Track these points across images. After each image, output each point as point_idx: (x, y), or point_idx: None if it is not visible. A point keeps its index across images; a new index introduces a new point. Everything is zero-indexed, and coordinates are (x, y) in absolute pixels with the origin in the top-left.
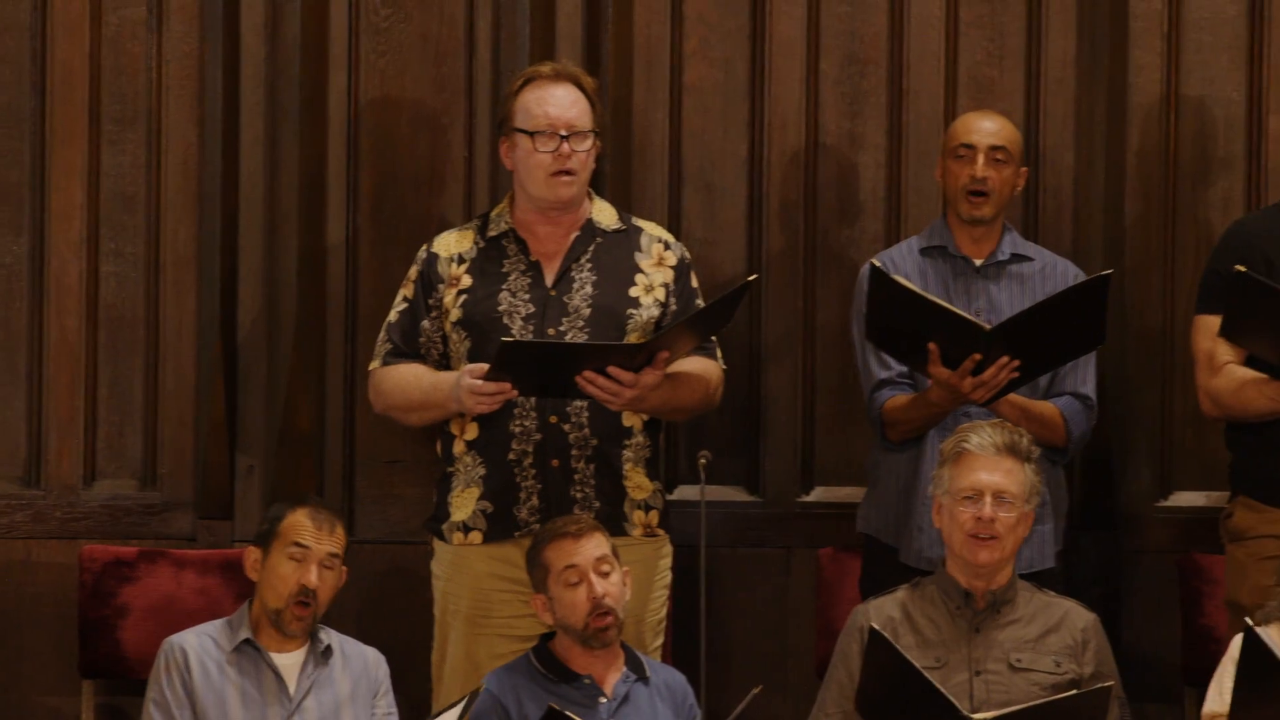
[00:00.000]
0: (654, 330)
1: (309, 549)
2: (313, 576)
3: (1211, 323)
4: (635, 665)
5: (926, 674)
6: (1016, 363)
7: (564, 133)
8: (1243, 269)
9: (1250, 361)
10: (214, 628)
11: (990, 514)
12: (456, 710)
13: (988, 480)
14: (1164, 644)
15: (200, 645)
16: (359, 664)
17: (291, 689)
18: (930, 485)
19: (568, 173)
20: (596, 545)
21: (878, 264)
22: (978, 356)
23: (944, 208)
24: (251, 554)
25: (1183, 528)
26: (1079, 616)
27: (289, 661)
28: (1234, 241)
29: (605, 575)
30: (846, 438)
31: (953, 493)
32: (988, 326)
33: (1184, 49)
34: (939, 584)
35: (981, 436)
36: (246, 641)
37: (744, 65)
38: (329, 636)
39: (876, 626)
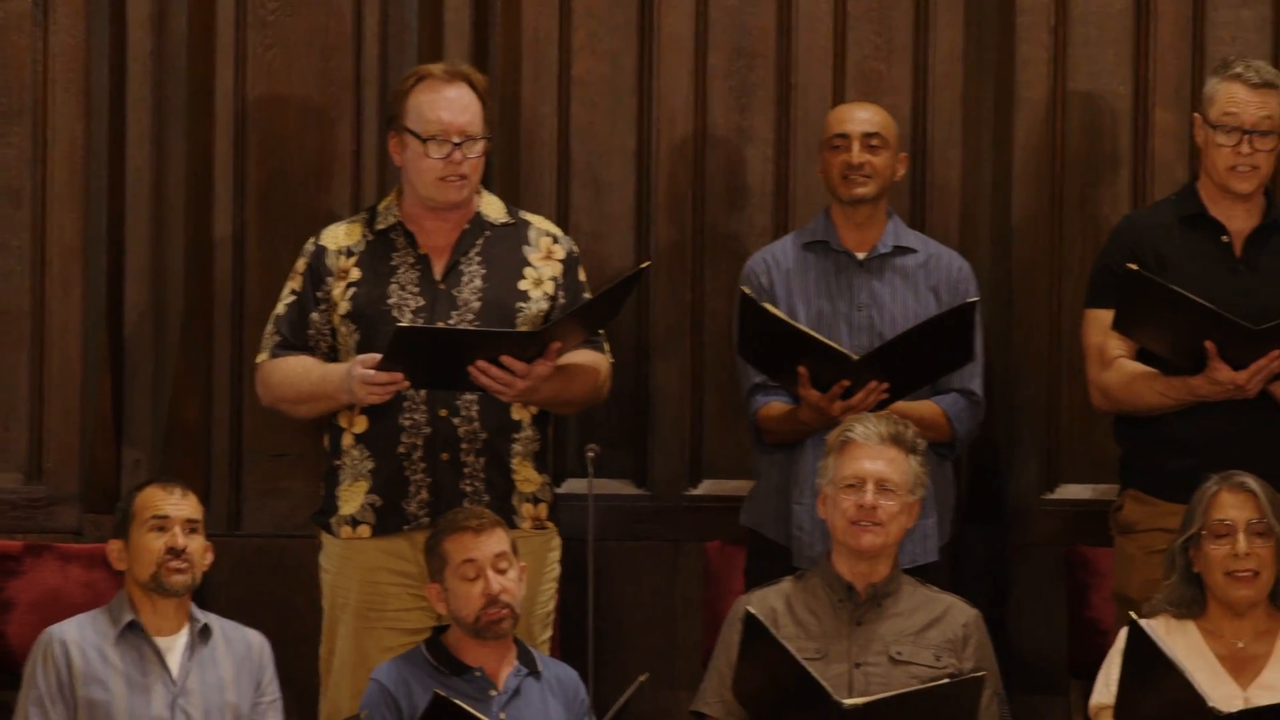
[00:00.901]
0: (543, 324)
1: (168, 517)
2: (179, 539)
3: (1102, 316)
4: (527, 660)
5: (801, 660)
6: (885, 385)
7: (456, 139)
8: (1134, 267)
9: (1140, 355)
10: (94, 616)
11: (872, 501)
12: None
13: (870, 468)
14: (1050, 636)
15: (81, 634)
16: (241, 646)
17: (174, 671)
18: (805, 489)
19: (459, 177)
20: (497, 541)
21: (748, 291)
22: (847, 383)
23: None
24: (114, 546)
25: (1069, 520)
26: (961, 612)
27: (170, 644)
28: (1124, 236)
29: (502, 572)
30: (734, 431)
31: (836, 481)
32: (855, 357)
33: (1071, 43)
34: (822, 576)
35: (866, 426)
36: (130, 625)
37: (632, 59)
38: (205, 616)
39: (760, 617)
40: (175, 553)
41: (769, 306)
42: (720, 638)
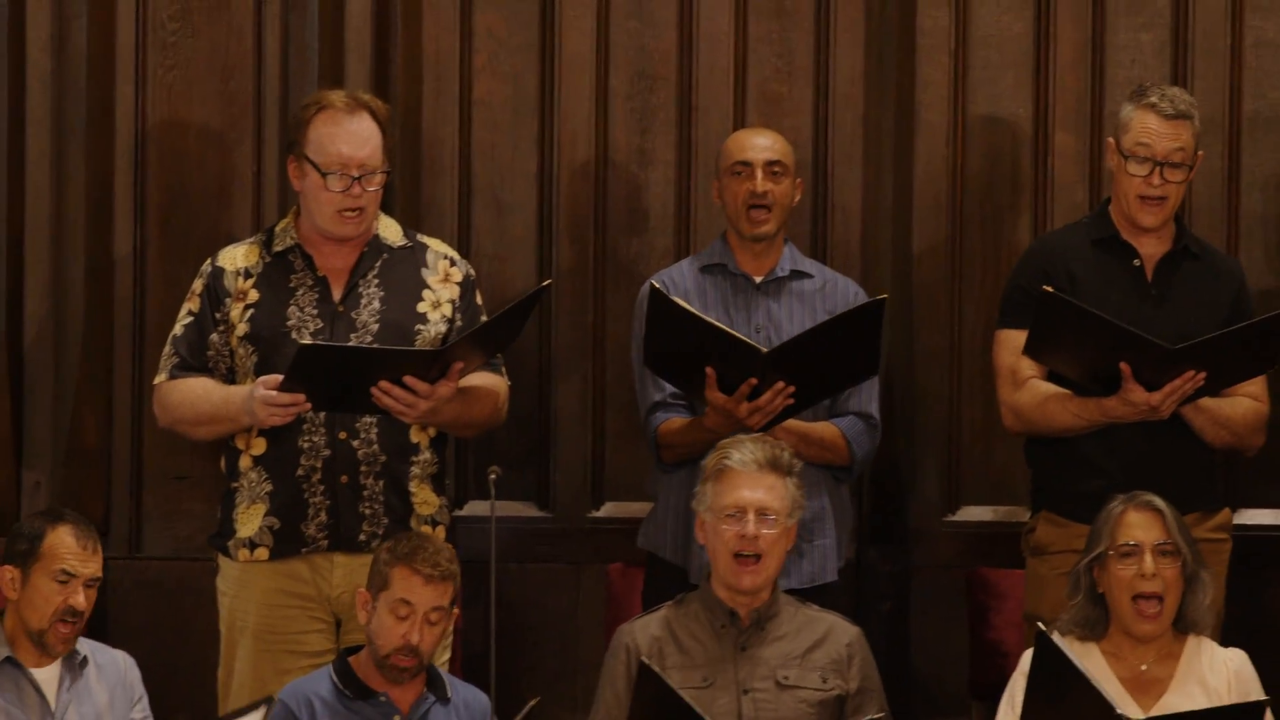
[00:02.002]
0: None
1: (75, 576)
2: (80, 599)
3: (1014, 337)
4: (436, 685)
5: (694, 697)
6: (792, 389)
7: (355, 174)
8: (1050, 289)
9: (1051, 375)
10: None
11: (754, 531)
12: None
13: (750, 498)
14: (951, 658)
15: None
16: (113, 671)
17: (52, 704)
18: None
19: (357, 210)
20: (440, 595)
21: (657, 284)
22: (754, 381)
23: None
24: (8, 573)
25: (970, 542)
26: (843, 631)
27: (47, 676)
28: (1037, 257)
29: (432, 624)
30: (636, 453)
31: (715, 510)
32: (764, 350)
33: (971, 66)
34: (703, 601)
35: (743, 453)
36: (7, 660)
37: (534, 80)
38: (82, 646)
39: (643, 647)
40: (72, 614)
41: (678, 300)
42: (604, 668)
